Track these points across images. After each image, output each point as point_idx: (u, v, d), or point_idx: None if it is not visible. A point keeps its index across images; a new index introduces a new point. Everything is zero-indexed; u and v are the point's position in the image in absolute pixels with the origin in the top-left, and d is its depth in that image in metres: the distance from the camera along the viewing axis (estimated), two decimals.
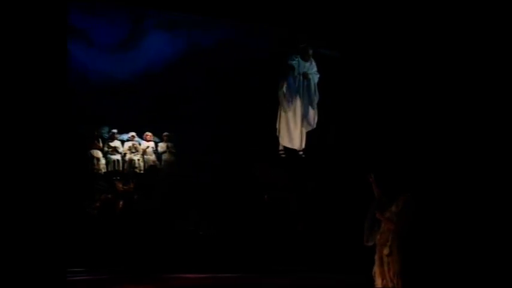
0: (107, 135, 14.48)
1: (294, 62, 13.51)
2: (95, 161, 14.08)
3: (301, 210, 12.88)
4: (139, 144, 14.53)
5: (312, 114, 13.47)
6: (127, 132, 14.53)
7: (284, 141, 13.46)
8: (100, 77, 13.98)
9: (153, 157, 14.51)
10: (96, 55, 13.81)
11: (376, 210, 7.80)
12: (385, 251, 7.75)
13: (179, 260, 11.70)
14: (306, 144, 13.43)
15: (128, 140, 14.53)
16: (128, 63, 14.01)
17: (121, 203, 12.07)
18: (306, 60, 13.44)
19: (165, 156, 14.61)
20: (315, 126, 13.55)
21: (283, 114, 13.57)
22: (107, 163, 14.24)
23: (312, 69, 13.56)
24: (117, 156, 14.32)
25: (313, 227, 12.46)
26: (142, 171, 14.27)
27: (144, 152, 14.46)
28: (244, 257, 11.68)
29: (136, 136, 14.55)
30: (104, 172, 14.04)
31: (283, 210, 12.88)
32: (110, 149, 14.35)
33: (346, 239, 10.51)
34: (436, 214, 10.61)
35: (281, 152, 13.46)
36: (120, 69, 13.98)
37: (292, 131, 13.37)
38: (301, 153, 13.45)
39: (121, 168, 14.26)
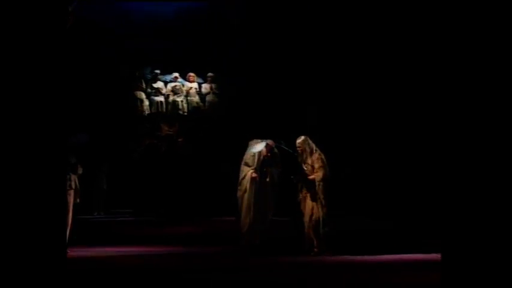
0: (150, 76, 14.31)
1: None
2: (139, 103, 13.99)
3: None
4: (183, 85, 14.34)
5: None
6: (170, 73, 14.34)
7: None
8: (143, 17, 13.76)
9: (196, 98, 14.32)
10: None
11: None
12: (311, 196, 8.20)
13: (222, 203, 11.63)
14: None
15: (171, 81, 14.35)
16: (171, 2, 13.73)
17: (164, 148, 11.96)
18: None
19: (208, 98, 14.40)
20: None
21: None
22: (150, 105, 14.13)
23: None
24: (161, 98, 14.18)
25: None
26: (185, 113, 14.13)
27: (188, 93, 14.29)
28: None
29: (179, 77, 14.35)
30: (148, 114, 13.96)
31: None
32: (153, 91, 14.21)
33: None
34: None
35: None
36: (163, 9, 13.72)
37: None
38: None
39: (164, 110, 14.14)
